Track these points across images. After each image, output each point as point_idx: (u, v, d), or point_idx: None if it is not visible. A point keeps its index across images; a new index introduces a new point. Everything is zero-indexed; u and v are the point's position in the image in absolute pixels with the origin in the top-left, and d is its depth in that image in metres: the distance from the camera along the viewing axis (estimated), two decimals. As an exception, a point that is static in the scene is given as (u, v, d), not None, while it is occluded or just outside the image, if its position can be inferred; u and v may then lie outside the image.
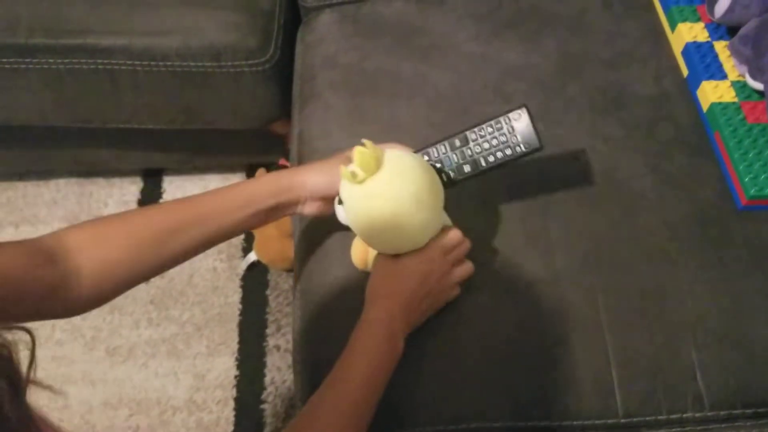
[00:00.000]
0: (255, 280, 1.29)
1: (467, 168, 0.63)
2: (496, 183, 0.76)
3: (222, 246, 1.33)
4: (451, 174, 0.64)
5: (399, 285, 0.61)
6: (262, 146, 1.28)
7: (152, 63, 0.99)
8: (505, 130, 0.61)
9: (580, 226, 0.75)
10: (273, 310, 1.27)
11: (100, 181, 1.42)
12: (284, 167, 1.22)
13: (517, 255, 0.73)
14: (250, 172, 1.40)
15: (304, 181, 0.65)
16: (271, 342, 1.23)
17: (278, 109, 1.10)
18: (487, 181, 0.68)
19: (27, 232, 1.36)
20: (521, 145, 0.61)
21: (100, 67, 1.01)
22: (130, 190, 1.41)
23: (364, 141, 0.58)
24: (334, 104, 0.89)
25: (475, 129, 0.63)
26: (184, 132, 1.19)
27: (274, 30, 1.03)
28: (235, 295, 1.27)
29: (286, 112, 1.08)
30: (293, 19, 1.08)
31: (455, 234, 0.64)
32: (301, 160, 0.88)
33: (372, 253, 0.67)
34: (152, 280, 1.23)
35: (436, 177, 0.62)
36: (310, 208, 0.66)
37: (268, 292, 1.27)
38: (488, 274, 0.72)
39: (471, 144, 0.63)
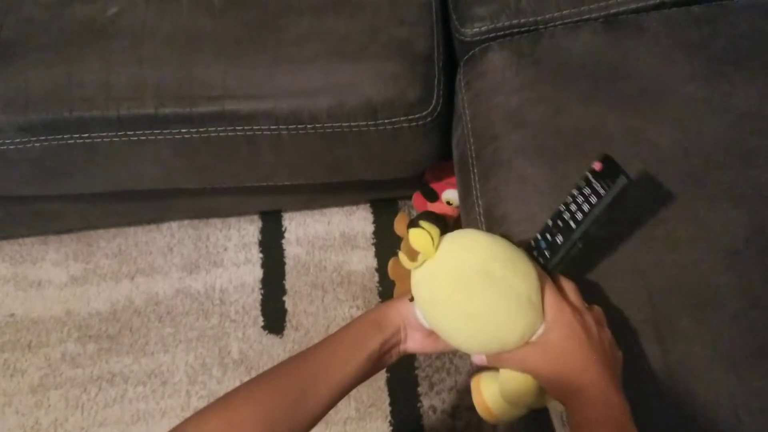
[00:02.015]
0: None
1: (560, 238, 0.58)
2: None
3: (357, 292, 1.24)
4: (547, 253, 0.59)
5: (572, 357, 0.53)
6: (390, 182, 1.16)
7: (299, 126, 0.89)
8: (586, 183, 0.57)
9: None
10: (422, 365, 1.18)
11: (216, 223, 1.33)
12: (428, 193, 1.14)
13: None
14: (376, 206, 1.31)
15: (398, 308, 0.62)
16: (425, 402, 1.15)
17: (433, 158, 0.99)
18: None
19: (145, 285, 1.29)
20: (609, 184, 0.55)
21: (239, 134, 0.90)
22: (249, 230, 1.32)
23: (420, 221, 0.56)
24: (531, 176, 0.77)
25: (564, 201, 0.59)
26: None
27: (435, 77, 0.90)
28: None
29: (439, 157, 0.99)
30: (449, 58, 0.95)
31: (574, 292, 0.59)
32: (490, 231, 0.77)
33: (490, 394, 0.60)
34: (290, 333, 1.17)
35: (515, 250, 0.57)
36: (413, 343, 0.63)
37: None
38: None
39: (562, 214, 0.59)
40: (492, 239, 0.57)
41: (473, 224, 0.82)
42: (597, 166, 0.58)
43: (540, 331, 0.56)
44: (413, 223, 0.56)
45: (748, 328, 0.66)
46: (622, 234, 0.72)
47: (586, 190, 0.58)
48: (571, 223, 0.58)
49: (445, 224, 1.07)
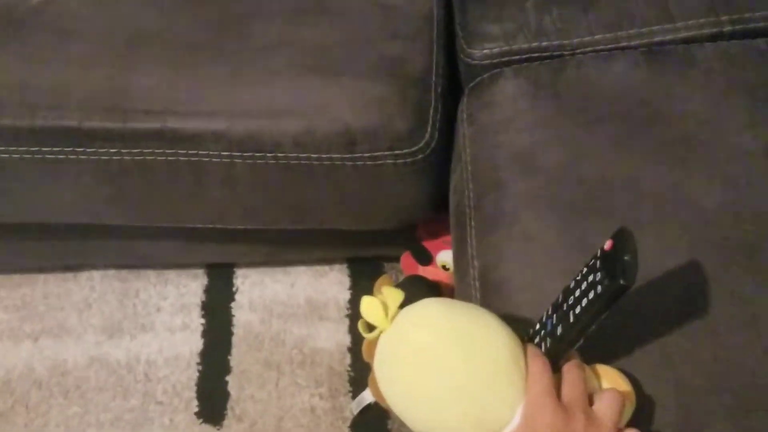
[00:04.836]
0: (371, 428, 1.20)
1: (560, 330, 0.61)
2: None
3: (322, 376, 1.23)
4: (548, 341, 0.62)
5: None
6: (373, 236, 1.18)
7: (257, 154, 0.91)
8: (592, 267, 0.60)
9: None
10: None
11: (150, 275, 1.34)
12: (420, 253, 1.17)
13: None
14: (354, 267, 1.32)
15: None
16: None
17: (425, 208, 1.02)
18: None
19: (51, 349, 1.28)
20: (604, 281, 0.57)
21: (182, 159, 0.92)
22: (190, 288, 1.33)
23: (384, 287, 0.63)
24: (540, 234, 0.79)
25: (569, 284, 0.62)
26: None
27: (431, 104, 0.92)
28: (344, 448, 1.18)
29: (434, 208, 1.01)
30: (451, 84, 0.99)
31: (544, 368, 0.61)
32: (485, 303, 0.79)
33: None
34: (231, 424, 1.16)
35: (489, 329, 0.61)
36: None
37: (390, 446, 1.17)
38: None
39: (563, 302, 0.62)
40: (455, 312, 0.62)
41: (466, 290, 0.82)
42: (608, 245, 0.60)
43: (508, 429, 0.58)
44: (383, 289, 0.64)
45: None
46: (650, 312, 0.73)
47: (591, 277, 0.60)
48: (570, 317, 0.60)
49: (438, 293, 1.10)
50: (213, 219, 1.03)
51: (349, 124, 0.89)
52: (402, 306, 0.62)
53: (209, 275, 1.34)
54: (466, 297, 0.82)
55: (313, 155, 0.90)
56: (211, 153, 0.91)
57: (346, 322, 1.28)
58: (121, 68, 0.91)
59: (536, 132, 0.85)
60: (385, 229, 1.09)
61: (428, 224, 1.16)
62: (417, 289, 1.05)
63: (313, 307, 1.29)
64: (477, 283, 0.81)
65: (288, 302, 1.30)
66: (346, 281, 1.32)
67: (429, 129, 0.91)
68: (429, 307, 0.63)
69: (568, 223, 0.79)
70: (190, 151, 0.91)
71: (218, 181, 0.95)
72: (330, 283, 1.31)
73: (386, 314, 0.61)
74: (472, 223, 0.85)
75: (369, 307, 0.62)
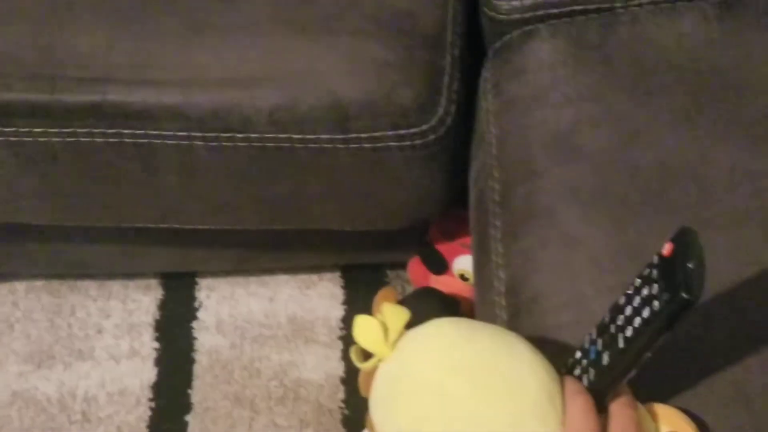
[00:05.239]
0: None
1: (606, 358, 0.61)
2: None
3: (308, 416, 1.24)
4: (592, 373, 0.62)
5: None
6: (376, 239, 1.21)
7: (223, 135, 0.92)
8: (647, 278, 0.60)
9: None
10: None
11: (89, 287, 1.35)
12: (432, 258, 1.18)
13: None
14: (350, 277, 1.33)
15: None
16: None
17: (439, 203, 1.04)
18: None
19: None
20: (662, 296, 0.58)
21: (127, 141, 0.93)
22: (141, 303, 1.33)
23: (385, 303, 0.63)
24: (585, 237, 0.80)
25: (618, 300, 0.62)
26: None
27: (446, 70, 0.94)
28: None
29: (449, 202, 1.03)
30: (472, 45, 0.99)
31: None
32: (514, 324, 0.80)
33: None
34: None
35: (512, 358, 0.62)
36: None
37: None
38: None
39: (618, 316, 0.62)
40: (474, 336, 0.62)
41: (489, 308, 0.83)
42: (667, 249, 0.60)
43: None
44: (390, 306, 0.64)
45: None
46: (721, 336, 0.73)
47: (645, 291, 0.60)
48: (620, 341, 0.60)
49: (456, 311, 1.11)
50: (167, 217, 1.04)
51: (341, 96, 0.90)
52: (407, 328, 0.62)
53: (165, 287, 1.35)
54: (489, 317, 0.83)
55: (294, 136, 0.91)
56: (163, 133, 0.92)
57: (339, 346, 1.28)
58: (48, 26, 0.93)
59: (580, 106, 0.86)
60: (388, 230, 1.10)
61: (443, 223, 1.16)
62: (428, 306, 1.08)
63: (297, 328, 1.30)
64: (503, 300, 0.82)
65: (265, 321, 1.30)
66: (339, 294, 1.32)
67: (443, 102, 0.92)
68: (441, 329, 0.63)
69: (620, 222, 0.79)
70: (136, 131, 0.92)
71: (173, 169, 0.96)
72: (319, 296, 1.32)
73: (386, 338, 0.61)
74: (498, 222, 0.86)
75: (364, 328, 0.62)
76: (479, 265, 0.89)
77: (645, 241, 0.77)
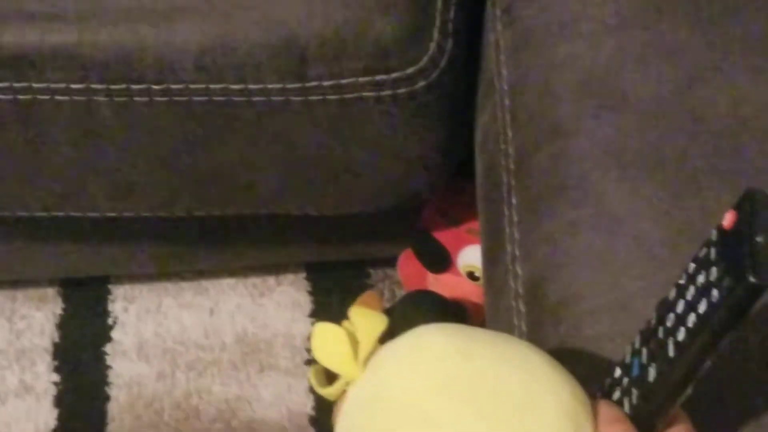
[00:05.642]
0: None
1: (653, 372, 0.62)
2: None
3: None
4: (635, 394, 0.63)
5: None
6: (353, 227, 1.22)
7: (134, 88, 0.93)
8: (703, 260, 0.61)
9: None
10: None
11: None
12: (428, 250, 1.19)
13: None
14: (319, 278, 1.35)
15: None
16: None
17: (434, 175, 1.04)
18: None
19: None
20: (723, 281, 0.58)
21: (6, 97, 0.93)
22: (33, 320, 1.34)
23: (355, 308, 0.63)
24: (629, 216, 0.80)
25: (667, 295, 0.64)
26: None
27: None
28: None
29: (448, 173, 1.03)
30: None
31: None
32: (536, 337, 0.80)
33: None
34: None
35: (546, 383, 0.62)
36: None
37: None
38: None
39: (667, 316, 0.63)
40: (474, 348, 0.62)
41: (503, 313, 0.84)
42: (728, 219, 0.60)
43: None
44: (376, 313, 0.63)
45: None
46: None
47: (701, 278, 0.61)
48: (670, 347, 0.61)
49: (462, 319, 1.11)
50: (63, 203, 1.05)
51: (295, 30, 0.91)
52: (384, 340, 0.62)
53: (65, 299, 1.36)
54: (504, 324, 0.84)
55: (231, 86, 0.92)
56: (52, 86, 0.93)
57: (306, 373, 1.28)
58: None
59: (621, 37, 0.87)
60: (368, 213, 1.12)
61: (441, 203, 1.17)
62: (424, 316, 1.07)
63: (248, 350, 1.30)
64: (522, 305, 0.82)
65: (204, 342, 1.31)
66: (305, 303, 1.34)
67: (435, 35, 0.93)
68: (427, 338, 0.63)
69: (677, 195, 0.80)
70: (14, 84, 0.93)
71: (67, 136, 0.97)
72: (277, 306, 1.33)
73: (355, 354, 0.61)
74: (514, 199, 0.87)
75: (327, 341, 0.62)
76: (490, 259, 0.89)
77: (710, 221, 0.74)
